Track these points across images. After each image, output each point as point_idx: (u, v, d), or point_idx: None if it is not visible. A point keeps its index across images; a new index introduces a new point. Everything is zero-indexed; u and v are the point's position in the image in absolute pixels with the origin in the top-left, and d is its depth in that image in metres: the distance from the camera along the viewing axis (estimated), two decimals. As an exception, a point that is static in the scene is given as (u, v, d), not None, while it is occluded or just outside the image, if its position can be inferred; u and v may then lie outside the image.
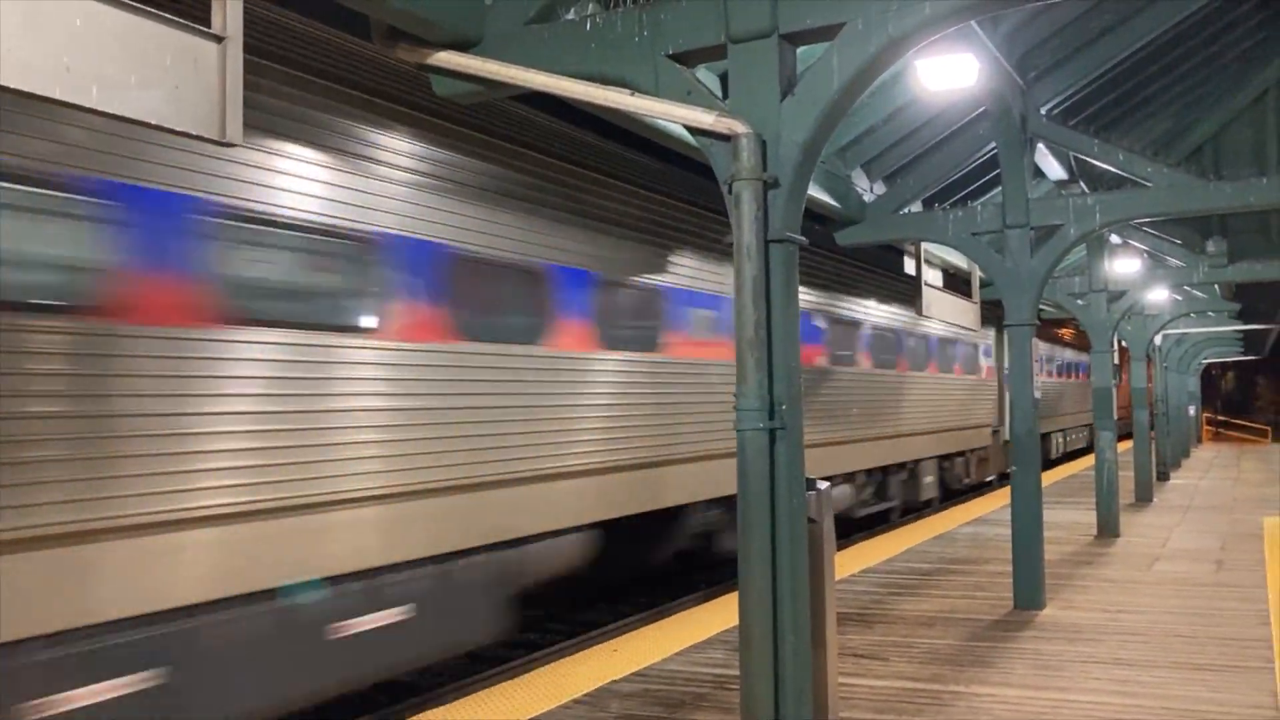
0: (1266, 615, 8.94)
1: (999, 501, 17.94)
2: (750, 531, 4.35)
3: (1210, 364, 48.79)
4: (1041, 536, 9.46)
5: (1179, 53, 11.22)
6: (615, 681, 7.18)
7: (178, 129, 3.49)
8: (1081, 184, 11.94)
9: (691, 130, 4.61)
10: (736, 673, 7.23)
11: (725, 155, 4.49)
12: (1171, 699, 6.55)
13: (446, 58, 5.20)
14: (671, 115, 4.59)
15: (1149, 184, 9.15)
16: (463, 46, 5.23)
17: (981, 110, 9.96)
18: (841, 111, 4.48)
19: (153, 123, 3.41)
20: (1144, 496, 18.78)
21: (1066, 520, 16.16)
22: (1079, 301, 14.61)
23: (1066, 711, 6.34)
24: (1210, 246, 14.01)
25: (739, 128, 4.39)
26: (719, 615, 9.26)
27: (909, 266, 13.12)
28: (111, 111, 3.26)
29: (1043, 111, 9.57)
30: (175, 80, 3.45)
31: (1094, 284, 14.48)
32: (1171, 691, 6.71)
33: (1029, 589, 9.41)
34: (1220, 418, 52.21)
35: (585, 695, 6.86)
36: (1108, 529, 14.28)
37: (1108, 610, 9.31)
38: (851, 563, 11.98)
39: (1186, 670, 7.22)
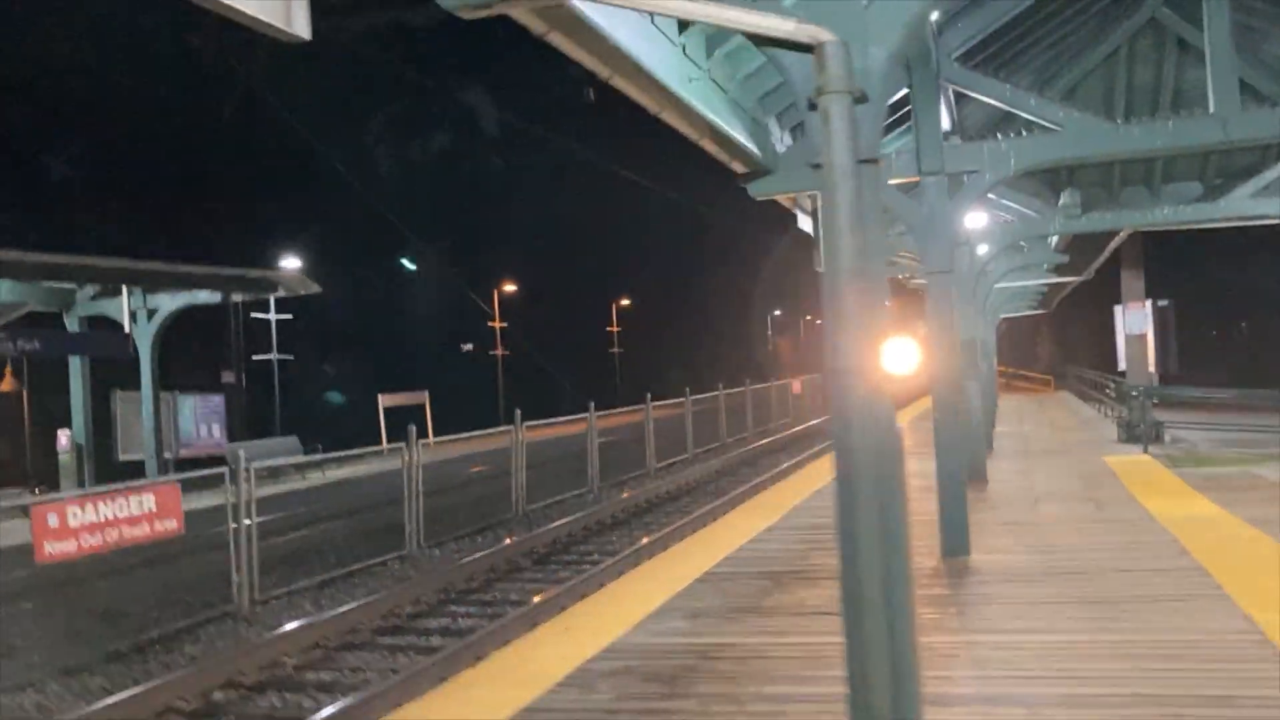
0: (1180, 545, 9.24)
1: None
2: (856, 485, 3.94)
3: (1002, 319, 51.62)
4: (964, 487, 9.50)
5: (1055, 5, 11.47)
6: (589, 661, 6.67)
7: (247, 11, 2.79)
8: (957, 137, 12.08)
9: (761, 40, 4.14)
10: (716, 641, 6.91)
11: (804, 68, 4.04)
12: (1157, 630, 6.60)
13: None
14: (743, 24, 4.10)
15: (1058, 128, 9.24)
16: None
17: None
18: (926, 16, 4.10)
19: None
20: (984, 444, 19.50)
21: (927, 469, 16.50)
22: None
23: (1062, 651, 6.28)
24: (1065, 198, 14.52)
25: (824, 35, 3.95)
26: (641, 585, 8.86)
27: (803, 222, 13.01)
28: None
29: (953, 58, 9.54)
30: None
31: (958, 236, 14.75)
32: (1153, 623, 6.77)
33: (956, 537, 9.44)
34: (1008, 369, 55.44)
35: (565, 678, 6.33)
36: (976, 475, 14.62)
37: (1031, 552, 9.45)
38: (753, 518, 11.81)
39: (1150, 602, 7.32)
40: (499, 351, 52.32)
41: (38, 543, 10.44)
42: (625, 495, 20.29)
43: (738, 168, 10.24)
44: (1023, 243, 18.12)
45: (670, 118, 8.00)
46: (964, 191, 9.36)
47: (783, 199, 13.05)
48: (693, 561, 9.65)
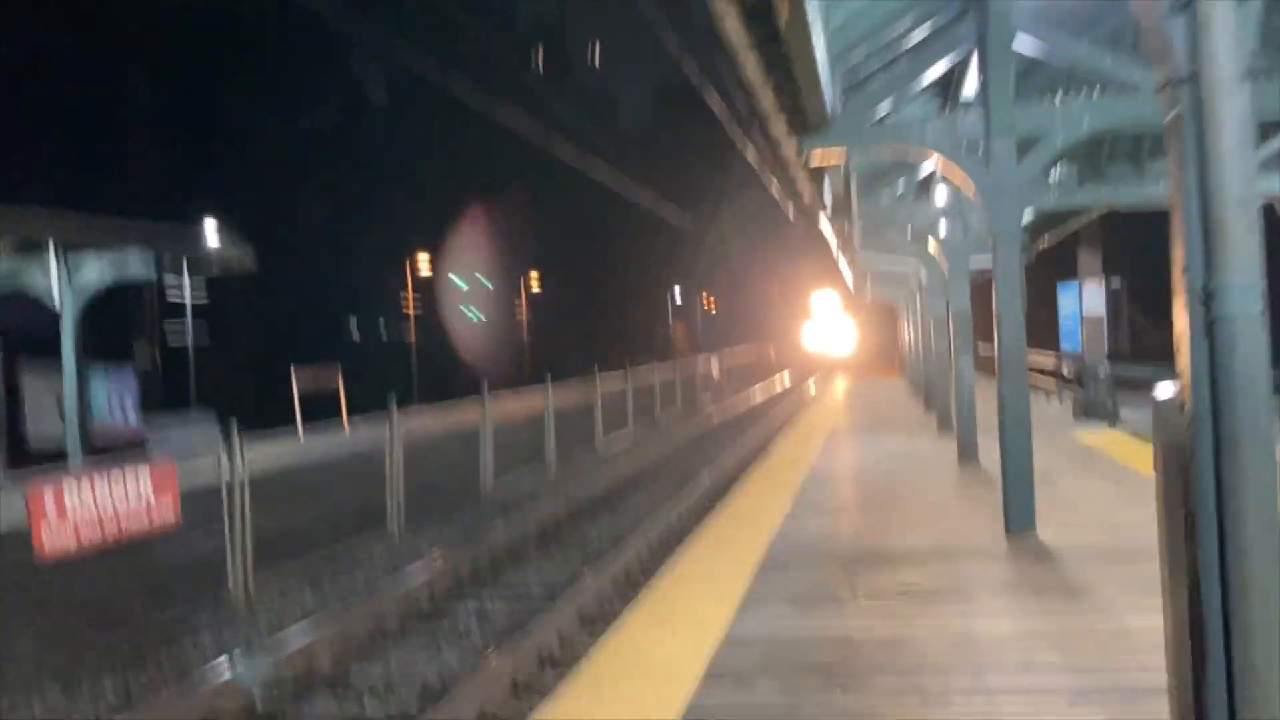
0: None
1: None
2: (1241, 462, 3.38)
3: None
4: (1031, 459, 9.15)
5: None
6: (719, 653, 6.03)
7: None
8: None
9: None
10: (843, 629, 6.35)
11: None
12: None
13: None
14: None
15: (1134, 89, 8.89)
16: None
17: (961, 11, 9.37)
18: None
19: None
20: (945, 420, 19.36)
21: (909, 449, 16.31)
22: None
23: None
24: (1059, 172, 14.36)
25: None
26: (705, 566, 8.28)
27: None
28: None
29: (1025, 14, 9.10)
30: None
31: (952, 218, 14.51)
32: None
33: (1021, 511, 9.10)
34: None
35: (706, 673, 5.68)
36: (968, 454, 14.40)
37: (1089, 528, 9.27)
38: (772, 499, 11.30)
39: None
40: (410, 312, 50.35)
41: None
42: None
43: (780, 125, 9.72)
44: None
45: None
46: (1034, 154, 8.97)
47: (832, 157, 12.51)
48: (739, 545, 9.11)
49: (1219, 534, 3.41)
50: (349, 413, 23.06)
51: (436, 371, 47.55)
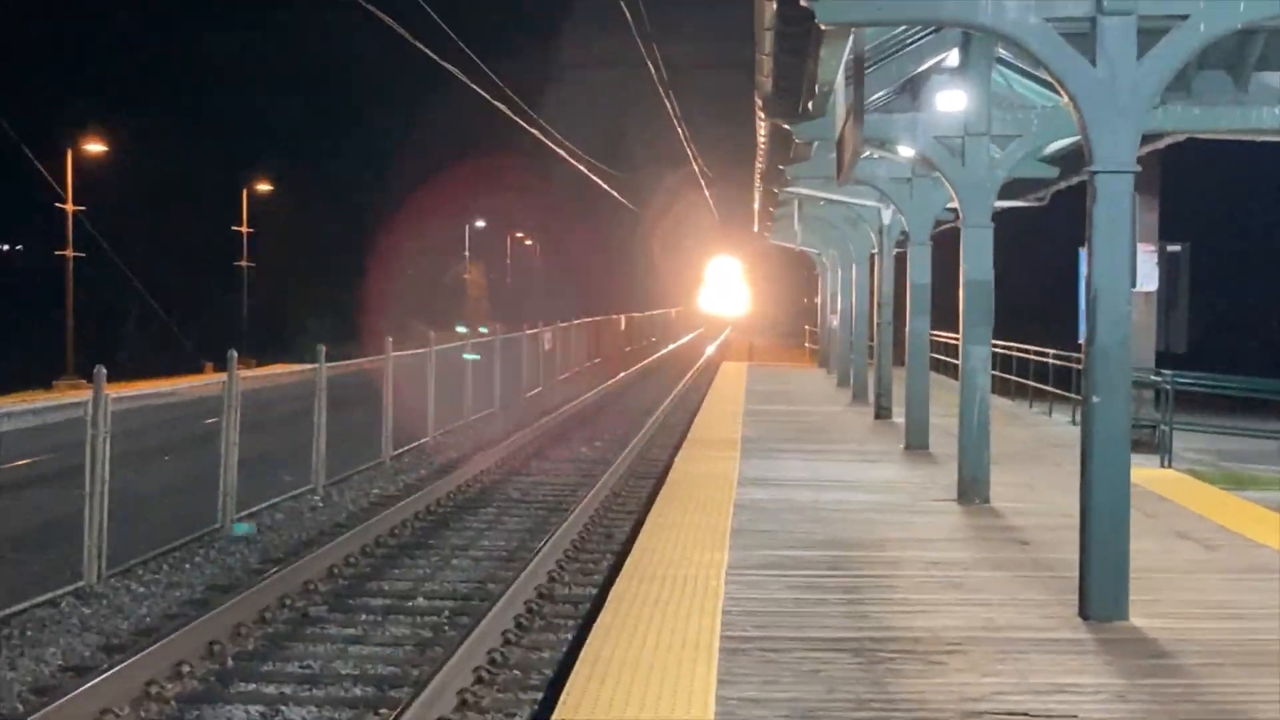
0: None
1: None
2: None
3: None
4: (1128, 513, 9.17)
5: None
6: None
7: None
8: None
9: None
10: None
11: None
12: None
13: None
14: None
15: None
16: None
17: None
18: None
19: None
20: (918, 441, 19.47)
21: (880, 479, 16.31)
22: (951, 154, 14.49)
23: None
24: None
25: None
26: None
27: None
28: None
29: None
30: None
31: (971, 127, 14.42)
32: None
33: (1110, 592, 9.09)
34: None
35: None
36: (975, 492, 14.39)
37: (1193, 614, 9.57)
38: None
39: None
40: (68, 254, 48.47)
41: None
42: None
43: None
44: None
45: None
46: (1166, 45, 8.93)
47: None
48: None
49: None
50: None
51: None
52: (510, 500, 18.82)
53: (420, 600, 12.69)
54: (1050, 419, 25.53)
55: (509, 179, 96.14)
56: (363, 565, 14.14)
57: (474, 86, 29.81)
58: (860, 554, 11.61)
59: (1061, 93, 9.17)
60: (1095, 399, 9.08)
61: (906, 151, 16.08)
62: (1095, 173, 9.09)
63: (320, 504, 18.29)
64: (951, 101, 15.10)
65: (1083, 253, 24.29)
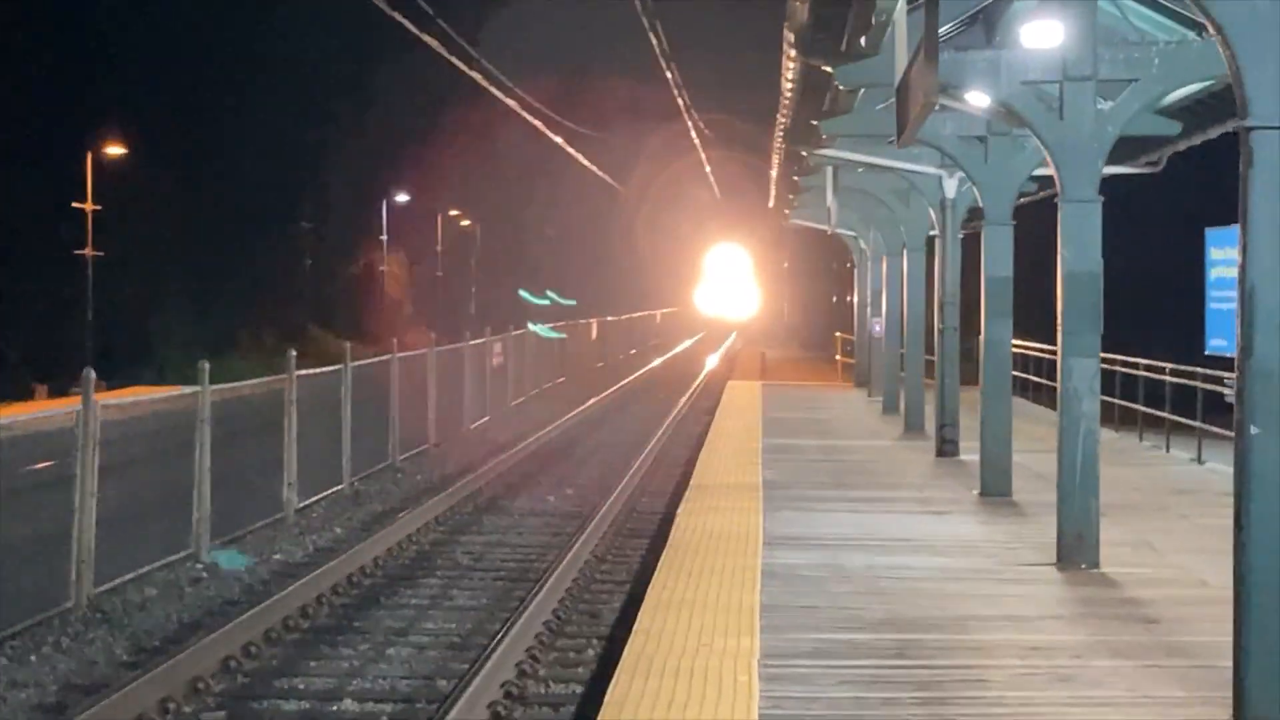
0: None
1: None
2: None
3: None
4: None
5: None
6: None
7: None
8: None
9: None
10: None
11: None
12: None
13: None
14: None
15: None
16: None
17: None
18: None
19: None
20: (998, 486, 19.44)
21: (951, 537, 16.30)
22: (1045, 105, 14.50)
23: None
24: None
25: None
26: None
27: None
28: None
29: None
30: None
31: (1071, 69, 14.40)
32: None
33: (1277, 688, 9.01)
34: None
35: None
36: (1081, 554, 14.38)
37: None
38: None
39: None
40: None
41: None
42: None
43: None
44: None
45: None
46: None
47: None
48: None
49: None
50: None
51: None
52: (459, 568, 18.79)
53: (348, 704, 12.64)
54: (1167, 455, 25.60)
55: (440, 139, 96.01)
56: (266, 656, 14.09)
57: (391, 12, 29.34)
58: (935, 637, 11.65)
59: (1207, 21, 9.15)
60: (1253, 430, 9.02)
61: (980, 101, 16.05)
62: (1252, 129, 9.02)
63: (204, 574, 18.24)
64: (1044, 35, 15.13)
65: (1211, 234, 24.90)
